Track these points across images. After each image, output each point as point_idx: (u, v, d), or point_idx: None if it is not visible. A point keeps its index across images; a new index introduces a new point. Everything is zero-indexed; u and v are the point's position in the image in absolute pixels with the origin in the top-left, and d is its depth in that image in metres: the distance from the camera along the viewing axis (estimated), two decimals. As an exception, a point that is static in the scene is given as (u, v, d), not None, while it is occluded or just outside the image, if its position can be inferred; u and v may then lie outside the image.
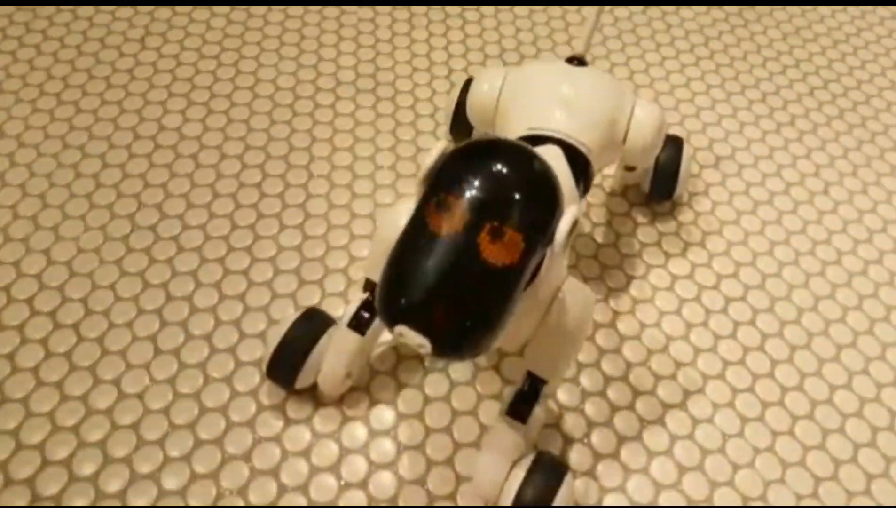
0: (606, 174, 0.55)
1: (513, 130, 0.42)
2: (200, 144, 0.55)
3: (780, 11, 0.69)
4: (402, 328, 0.30)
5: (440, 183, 0.31)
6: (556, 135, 0.40)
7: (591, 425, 0.43)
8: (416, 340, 0.30)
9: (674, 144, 0.52)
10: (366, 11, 0.65)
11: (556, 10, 0.67)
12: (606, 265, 0.51)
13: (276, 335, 0.41)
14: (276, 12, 0.65)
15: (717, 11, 0.69)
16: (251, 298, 0.47)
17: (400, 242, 0.31)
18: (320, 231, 0.50)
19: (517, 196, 0.31)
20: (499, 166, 0.31)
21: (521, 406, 0.39)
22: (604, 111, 0.43)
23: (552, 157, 0.38)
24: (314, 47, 0.62)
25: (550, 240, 0.31)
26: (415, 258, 0.30)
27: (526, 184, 0.31)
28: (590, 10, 0.46)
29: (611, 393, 0.45)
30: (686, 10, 0.69)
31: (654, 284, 0.50)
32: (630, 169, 0.51)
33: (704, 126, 0.60)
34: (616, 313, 0.48)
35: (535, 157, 0.32)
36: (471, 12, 0.66)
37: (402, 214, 0.37)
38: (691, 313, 0.49)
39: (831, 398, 0.46)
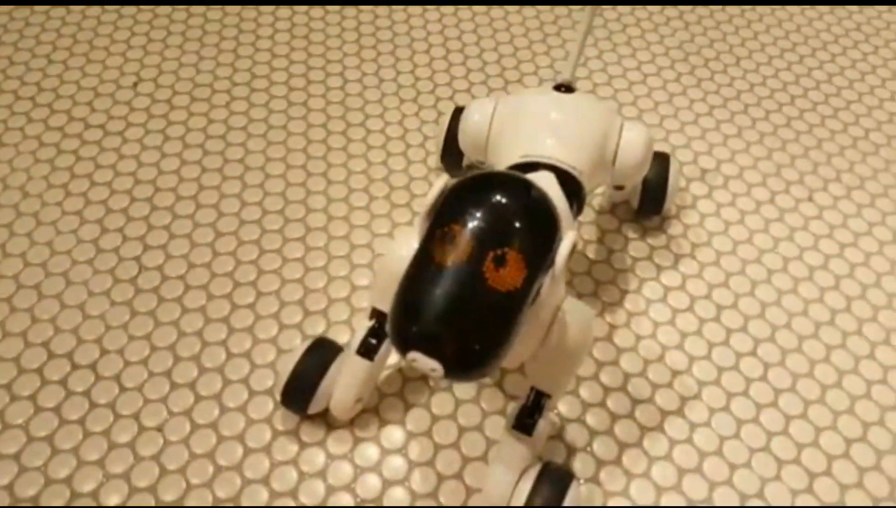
0: (595, 193, 0.61)
1: (505, 157, 0.47)
2: (199, 186, 0.60)
3: (757, 24, 0.76)
4: (414, 355, 0.34)
5: (444, 216, 0.36)
6: (549, 161, 0.45)
7: (592, 434, 0.49)
8: (428, 365, 0.34)
9: (661, 161, 0.58)
10: (350, 47, 0.71)
11: (536, 33, 0.73)
12: (600, 281, 0.56)
13: (287, 365, 0.46)
14: (264, 52, 0.71)
15: (695, 27, 0.75)
16: (259, 330, 0.52)
17: (408, 273, 0.36)
18: (321, 263, 0.56)
19: (518, 225, 0.36)
20: (498, 198, 0.36)
21: (526, 420, 0.44)
22: (593, 135, 0.48)
23: (546, 183, 0.43)
24: (302, 84, 0.68)
25: (551, 264, 0.36)
26: (423, 289, 0.34)
27: (525, 213, 0.36)
28: (574, 39, 0.51)
29: (610, 403, 0.50)
30: (664, 28, 0.75)
31: (647, 296, 0.55)
32: (619, 188, 0.57)
33: (689, 140, 0.65)
34: (612, 327, 0.54)
35: (532, 187, 0.37)
36: (453, 41, 0.72)
37: (403, 245, 0.42)
38: (685, 323, 0.54)
39: (823, 397, 0.51)
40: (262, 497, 0.45)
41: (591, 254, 0.58)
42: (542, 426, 0.44)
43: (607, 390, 0.51)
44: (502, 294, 0.34)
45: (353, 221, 0.58)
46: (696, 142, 0.65)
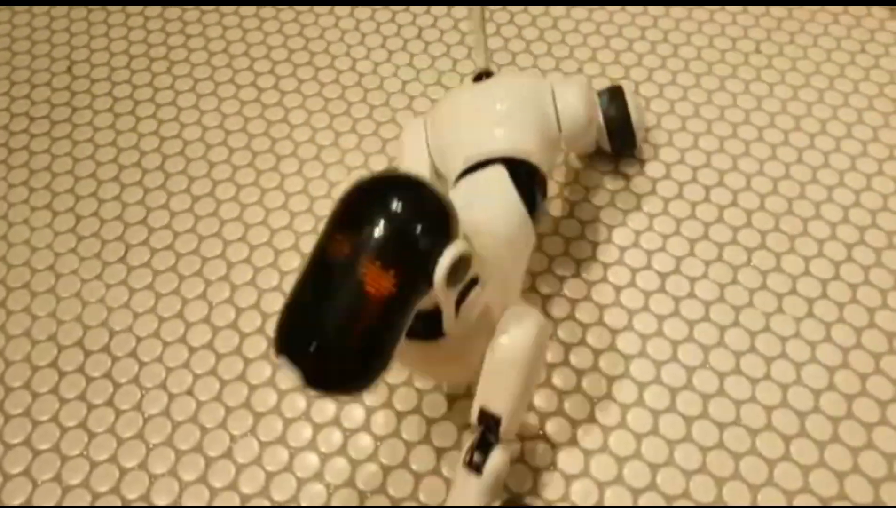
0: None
1: (454, 166, 0.47)
2: (166, 174, 0.62)
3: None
4: (282, 359, 0.33)
5: (338, 218, 0.35)
6: (495, 155, 0.45)
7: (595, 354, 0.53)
8: (290, 372, 0.33)
9: (614, 95, 0.56)
10: (312, 29, 0.72)
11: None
12: (594, 242, 0.57)
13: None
14: (236, 45, 0.72)
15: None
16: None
17: (301, 271, 0.35)
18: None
19: (396, 234, 0.35)
20: (387, 204, 0.35)
21: (476, 457, 0.41)
22: (527, 110, 0.47)
23: (495, 178, 0.44)
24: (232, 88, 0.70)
25: (431, 273, 0.35)
26: (303, 288, 0.34)
27: (408, 222, 0.35)
28: (470, 24, 0.50)
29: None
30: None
31: (622, 245, 0.56)
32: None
33: (650, 72, 0.65)
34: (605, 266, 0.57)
35: (424, 190, 0.36)
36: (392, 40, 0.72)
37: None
38: (676, 246, 0.57)
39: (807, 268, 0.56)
40: (337, 437, 0.50)
41: (579, 214, 0.59)
42: (496, 461, 0.41)
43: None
44: (371, 299, 0.34)
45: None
46: (657, 73, 0.66)
